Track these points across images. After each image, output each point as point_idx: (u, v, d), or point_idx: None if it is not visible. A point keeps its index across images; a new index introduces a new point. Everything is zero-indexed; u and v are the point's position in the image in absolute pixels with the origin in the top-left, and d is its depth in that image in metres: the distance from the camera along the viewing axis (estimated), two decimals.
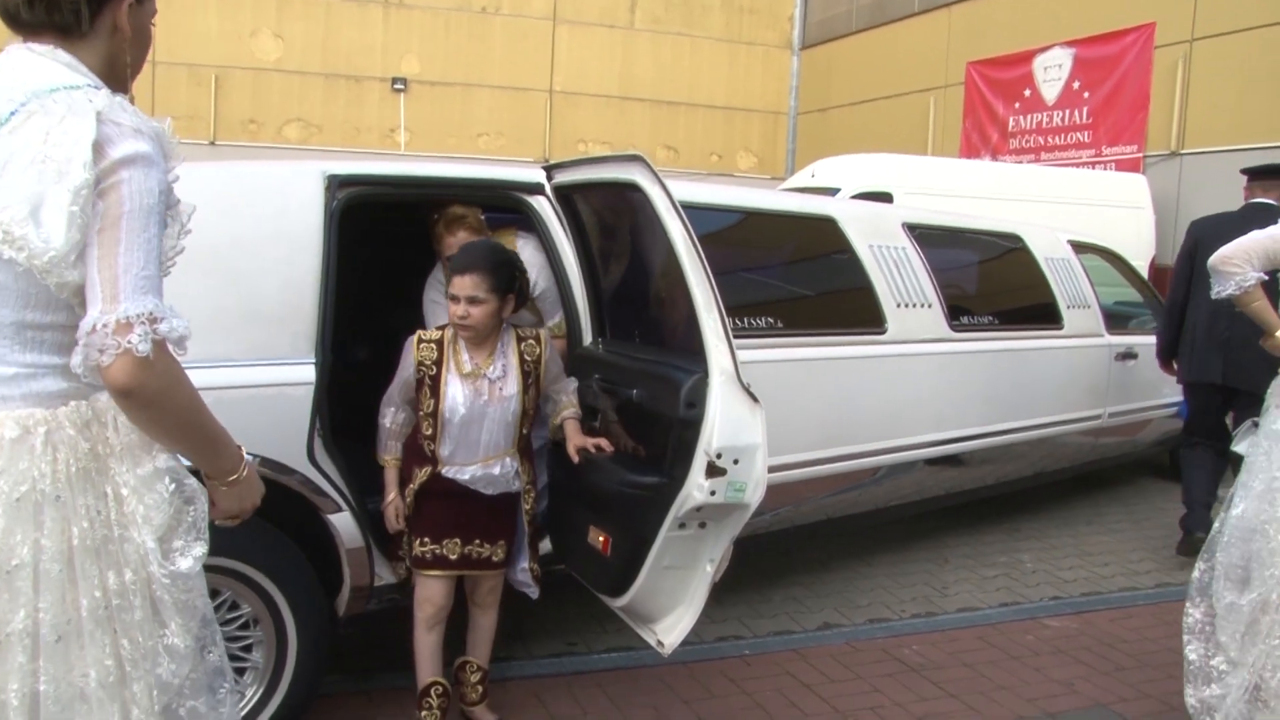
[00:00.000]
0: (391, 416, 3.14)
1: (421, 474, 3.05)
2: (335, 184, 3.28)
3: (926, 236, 4.96)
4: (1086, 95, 15.19)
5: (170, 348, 1.49)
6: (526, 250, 3.66)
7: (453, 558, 3.07)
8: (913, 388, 4.55)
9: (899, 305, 4.55)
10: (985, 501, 5.86)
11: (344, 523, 3.08)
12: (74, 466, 1.54)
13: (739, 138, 23.02)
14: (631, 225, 3.20)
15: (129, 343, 1.42)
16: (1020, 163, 15.60)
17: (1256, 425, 3.16)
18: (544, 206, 3.63)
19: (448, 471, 3.02)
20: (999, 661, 3.97)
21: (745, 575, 4.78)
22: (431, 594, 3.10)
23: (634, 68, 22.02)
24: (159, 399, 1.49)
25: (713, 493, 2.70)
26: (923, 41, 18.16)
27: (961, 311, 4.92)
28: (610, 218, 3.36)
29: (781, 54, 22.83)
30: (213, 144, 17.31)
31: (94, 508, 1.55)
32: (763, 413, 2.70)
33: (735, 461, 2.68)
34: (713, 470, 2.67)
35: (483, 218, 3.63)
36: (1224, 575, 3.01)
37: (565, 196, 3.45)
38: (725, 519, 2.84)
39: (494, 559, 3.13)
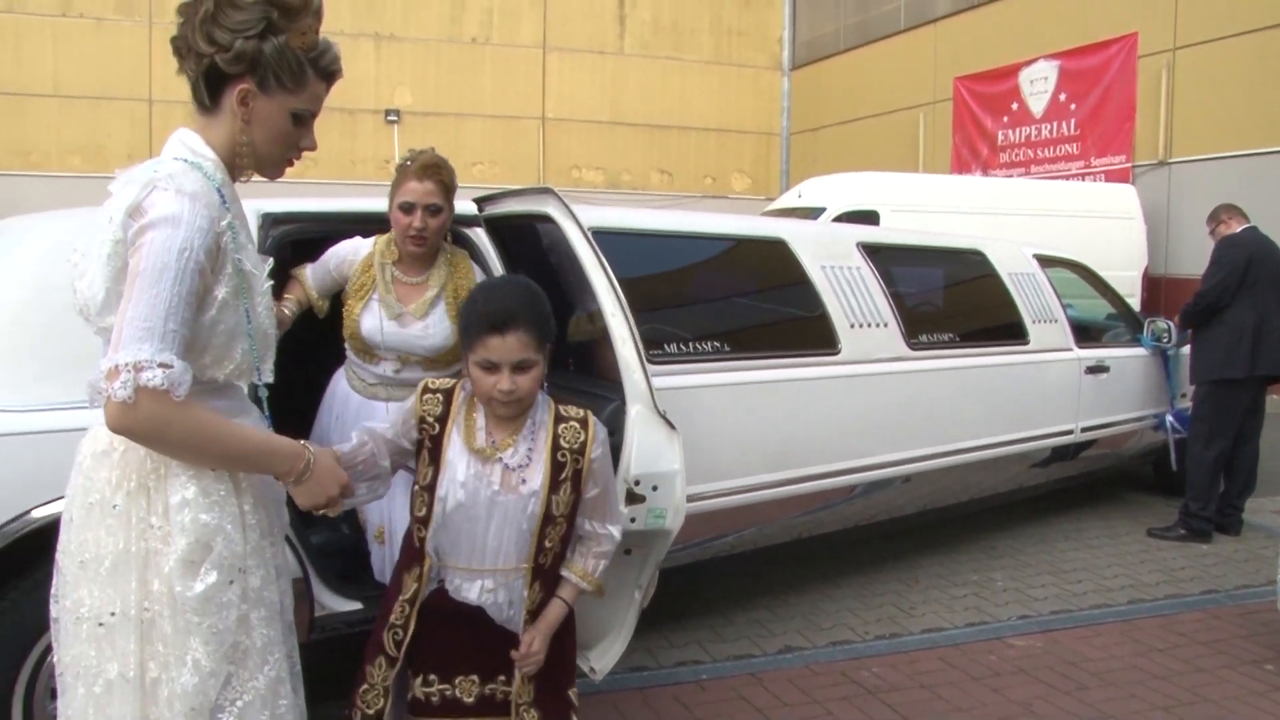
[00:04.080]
0: (358, 440, 2.25)
1: (413, 580, 2.29)
2: (269, 222, 3.31)
3: (883, 255, 4.94)
4: (1073, 107, 15.22)
5: (167, 391, 1.61)
6: None
7: (468, 700, 2.29)
8: (869, 408, 4.52)
9: (853, 325, 4.53)
10: (960, 520, 5.81)
11: None
12: (134, 482, 1.74)
13: (732, 159, 23.09)
14: (554, 256, 3.20)
15: (111, 389, 1.58)
16: (1011, 176, 15.62)
17: None
18: (481, 237, 3.64)
19: (451, 584, 2.27)
20: (958, 683, 3.92)
21: (709, 599, 4.75)
22: None
23: (624, 93, 22.13)
24: (151, 438, 1.65)
25: (633, 519, 2.68)
26: (910, 58, 18.22)
27: (921, 329, 4.89)
28: (535, 248, 3.36)
29: (772, 75, 22.91)
30: None
31: (145, 520, 1.73)
32: (680, 439, 2.69)
33: (654, 488, 2.68)
34: (632, 497, 2.66)
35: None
36: None
37: (495, 228, 3.45)
38: (649, 545, 2.82)
39: (522, 702, 2.29)
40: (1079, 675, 4.00)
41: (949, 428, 4.88)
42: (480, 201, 3.48)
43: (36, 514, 2.58)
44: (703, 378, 3.98)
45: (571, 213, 2.74)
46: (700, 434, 3.85)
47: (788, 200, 13.29)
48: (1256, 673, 4.04)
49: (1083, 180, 14.64)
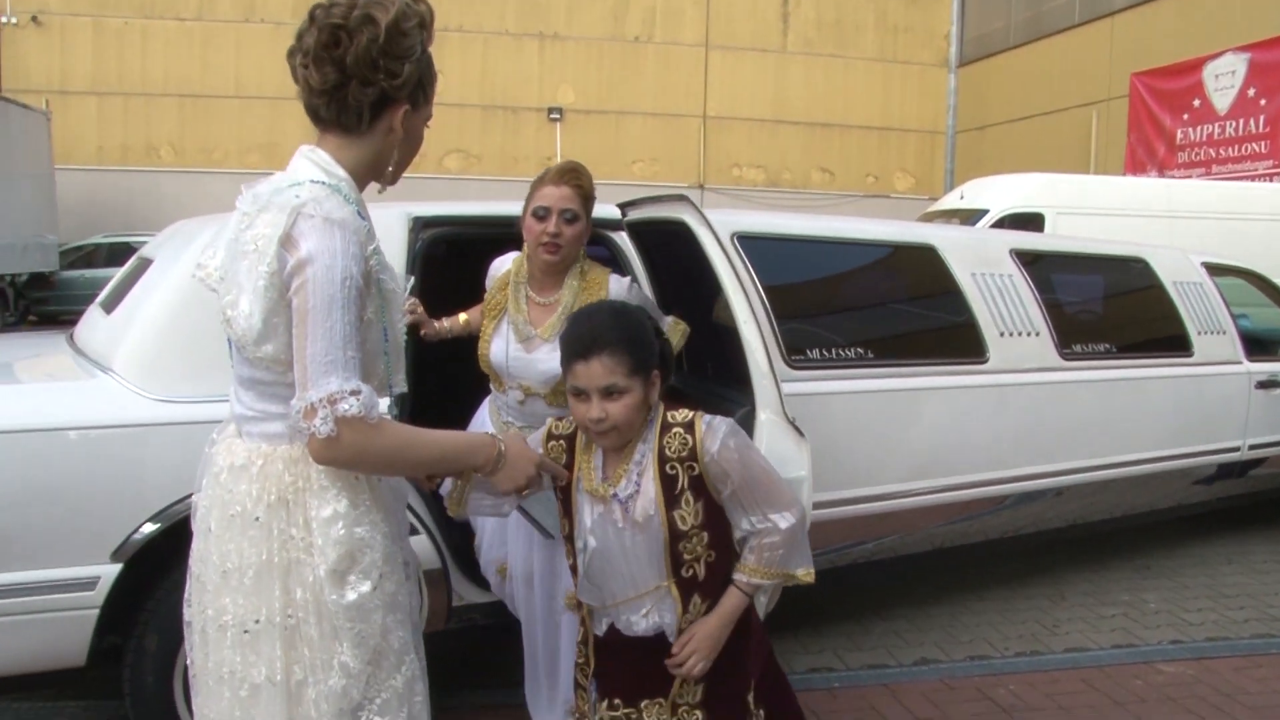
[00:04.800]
0: None
1: (581, 623, 2.34)
2: (419, 225, 3.46)
3: (1038, 262, 4.81)
4: (1263, 103, 14.38)
5: (363, 417, 1.68)
6: (634, 294, 3.11)
7: None
8: (1017, 418, 4.42)
9: (1002, 334, 4.43)
10: (1113, 536, 5.61)
11: (420, 545, 3.21)
12: (274, 495, 1.79)
13: (895, 158, 22.72)
14: (692, 262, 3.25)
15: (313, 427, 1.65)
16: (1189, 177, 14.87)
17: None
18: (625, 241, 3.72)
19: (620, 621, 2.21)
20: (1099, 707, 3.80)
21: (848, 606, 4.73)
22: None
23: (786, 91, 22.03)
24: (354, 462, 1.73)
25: None
26: (1083, 54, 17.55)
27: (1075, 339, 4.74)
28: (675, 254, 3.42)
29: (938, 72, 22.40)
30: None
31: (286, 532, 1.79)
32: (808, 447, 2.70)
33: None
34: None
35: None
36: None
37: (638, 233, 3.52)
38: None
39: (683, 703, 2.23)
40: (1231, 708, 3.82)
41: (1102, 440, 4.73)
42: (623, 206, 3.56)
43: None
44: (846, 384, 3.97)
45: (706, 220, 2.79)
46: (841, 439, 3.86)
47: (950, 201, 12.99)
48: None
49: (1272, 180, 13.81)
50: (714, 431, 2.10)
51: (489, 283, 3.11)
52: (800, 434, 2.70)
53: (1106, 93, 17.00)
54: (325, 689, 1.79)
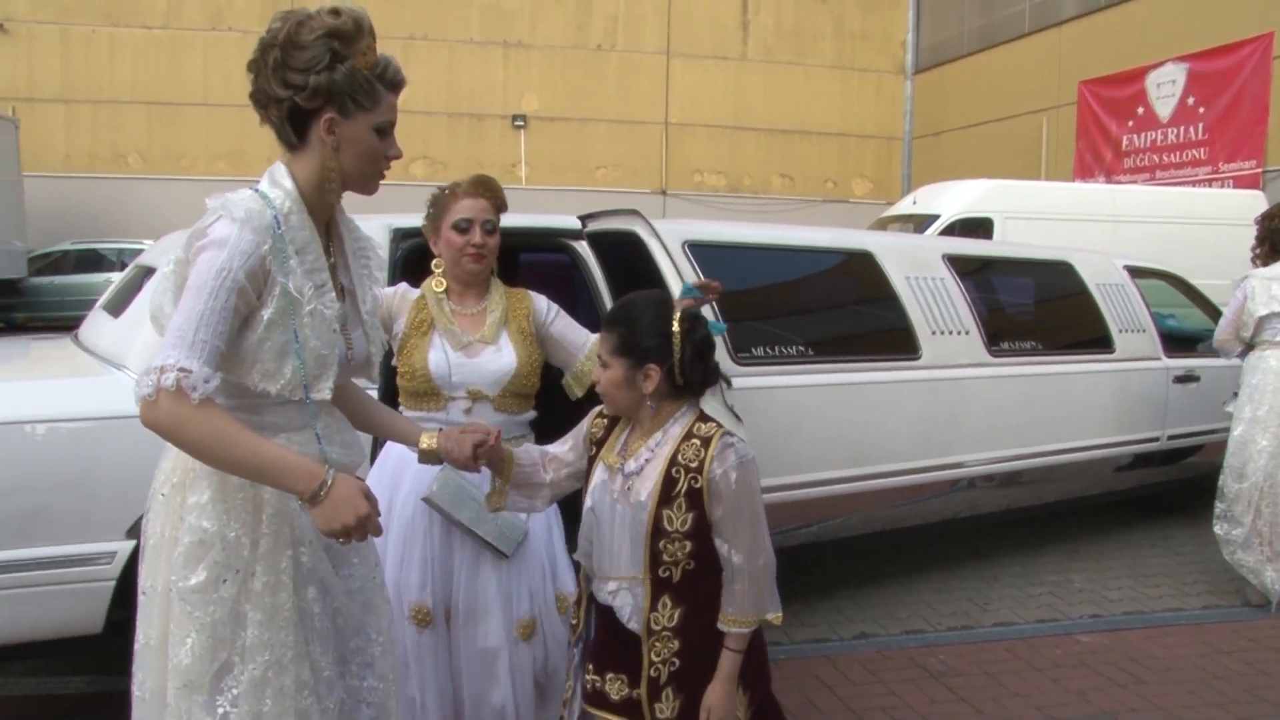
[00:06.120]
0: (534, 453, 2.47)
1: (579, 586, 2.48)
2: (399, 236, 3.76)
3: (969, 267, 5.19)
4: (1202, 111, 14.93)
5: (182, 393, 1.76)
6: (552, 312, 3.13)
7: (614, 698, 2.30)
8: (947, 410, 4.79)
9: (934, 332, 4.79)
10: (1045, 521, 6.00)
11: None
12: (177, 477, 1.95)
13: (853, 164, 23.16)
14: (644, 268, 3.58)
15: (139, 386, 1.77)
16: (1135, 182, 15.38)
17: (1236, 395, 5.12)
18: (585, 249, 4.03)
19: (595, 588, 2.35)
20: (1020, 672, 4.16)
21: (795, 588, 5.06)
22: None
23: (747, 98, 22.42)
24: (171, 435, 1.80)
25: None
26: (1034, 62, 18.08)
27: (1004, 337, 5.12)
28: (631, 260, 3.74)
29: (894, 79, 22.90)
30: None
31: (177, 512, 1.94)
32: (743, 428, 3.03)
33: None
34: None
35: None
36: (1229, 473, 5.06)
37: (597, 242, 3.85)
38: None
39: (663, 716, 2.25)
40: (1139, 671, 4.19)
41: (1028, 431, 5.10)
42: (583, 218, 3.89)
43: None
44: (788, 379, 4.32)
45: (655, 231, 3.11)
46: (784, 429, 4.21)
47: (903, 207, 13.39)
48: None
49: (1210, 186, 14.35)
50: (724, 455, 2.19)
51: (393, 308, 3.01)
52: (738, 418, 3.03)
53: (1056, 99, 17.53)
54: (176, 661, 1.91)
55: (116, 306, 3.90)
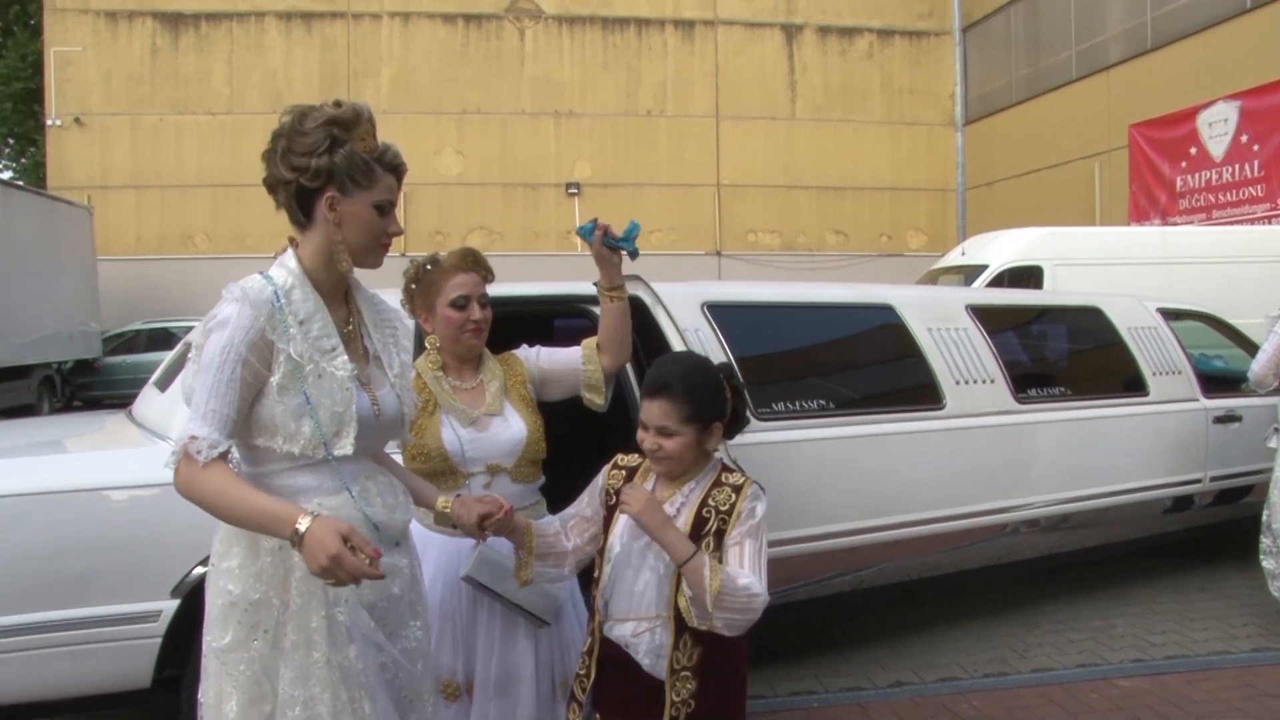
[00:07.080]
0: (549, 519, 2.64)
1: (590, 635, 2.52)
2: None
3: (993, 316, 5.25)
4: (1256, 148, 14.77)
5: (189, 456, 1.97)
6: (540, 356, 3.16)
7: None
8: (973, 459, 4.83)
9: (958, 382, 4.86)
10: (1091, 567, 5.96)
11: None
12: (218, 546, 2.14)
13: (907, 217, 23.18)
14: (658, 331, 3.72)
15: (167, 458, 2.02)
16: (1191, 223, 15.22)
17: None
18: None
19: (611, 633, 2.42)
20: (1054, 716, 4.14)
21: (834, 637, 5.11)
22: None
23: (798, 156, 22.62)
24: (187, 495, 2.00)
25: None
26: (1083, 107, 18.05)
27: (1031, 384, 5.16)
28: (645, 324, 3.89)
29: (945, 131, 22.97)
30: (403, 255, 18.99)
31: (213, 578, 2.14)
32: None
33: None
34: None
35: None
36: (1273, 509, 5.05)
37: None
38: None
39: None
40: (1178, 715, 4.15)
41: (1060, 476, 5.11)
42: (597, 284, 4.04)
43: None
44: (811, 432, 4.41)
45: (658, 298, 3.26)
46: (808, 482, 4.30)
47: (952, 259, 13.37)
48: None
49: (1270, 223, 14.15)
50: (754, 500, 2.35)
51: None
52: (739, 469, 3.14)
53: (1107, 144, 17.45)
54: (224, 717, 2.07)
55: (164, 381, 4.16)
